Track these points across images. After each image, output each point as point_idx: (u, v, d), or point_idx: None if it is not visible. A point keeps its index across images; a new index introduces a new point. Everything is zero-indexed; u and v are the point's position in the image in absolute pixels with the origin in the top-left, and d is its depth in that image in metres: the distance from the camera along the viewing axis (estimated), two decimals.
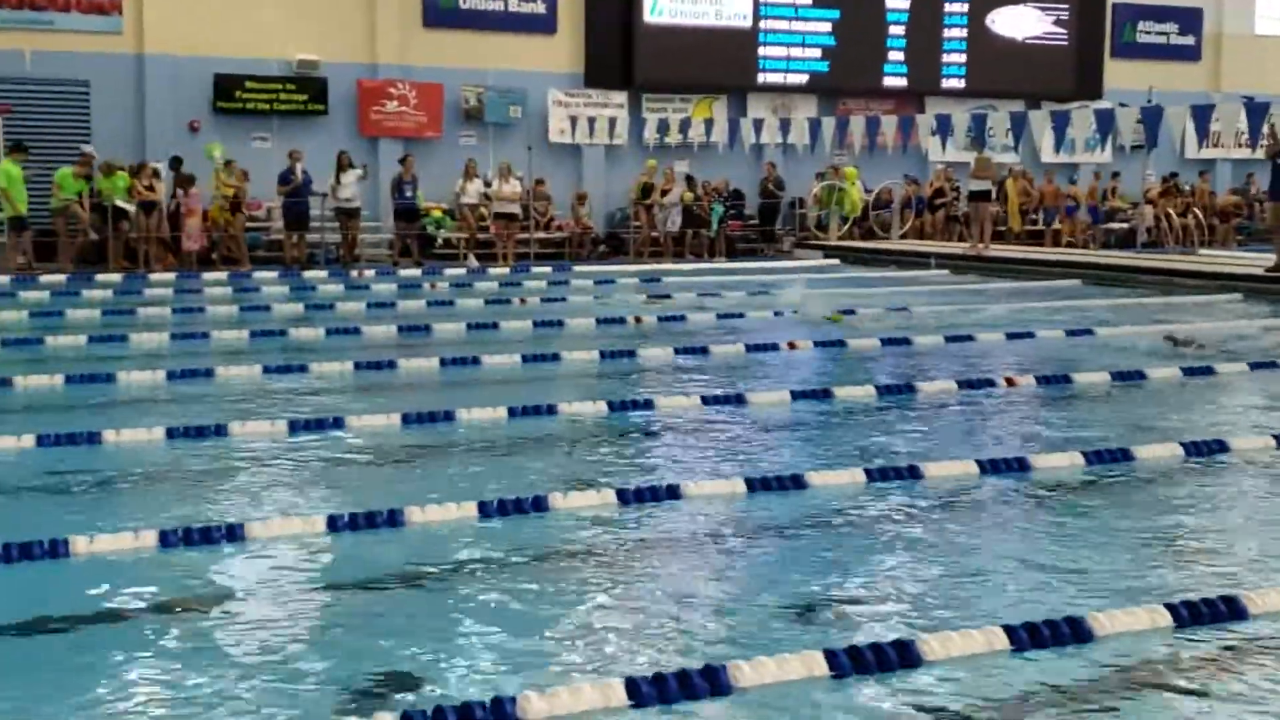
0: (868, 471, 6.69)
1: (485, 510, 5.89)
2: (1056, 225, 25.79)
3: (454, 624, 4.61)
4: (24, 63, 20.95)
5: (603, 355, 10.88)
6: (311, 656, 4.31)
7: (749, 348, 11.33)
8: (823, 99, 26.21)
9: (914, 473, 6.69)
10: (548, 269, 19.92)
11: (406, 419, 8.01)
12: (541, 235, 23.02)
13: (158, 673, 4.17)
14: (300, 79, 22.74)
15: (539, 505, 6.00)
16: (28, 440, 7.21)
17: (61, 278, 17.43)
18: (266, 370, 9.87)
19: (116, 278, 17.69)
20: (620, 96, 24.85)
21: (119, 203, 19.48)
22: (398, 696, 3.94)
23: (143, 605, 4.81)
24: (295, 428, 7.75)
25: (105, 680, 4.08)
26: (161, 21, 21.81)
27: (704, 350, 11.19)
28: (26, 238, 18.94)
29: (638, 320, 13.40)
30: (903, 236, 24.64)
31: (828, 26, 26.01)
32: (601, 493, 6.27)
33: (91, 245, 19.69)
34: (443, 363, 10.37)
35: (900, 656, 4.11)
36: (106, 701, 3.93)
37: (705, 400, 8.83)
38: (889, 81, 26.65)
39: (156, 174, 20.14)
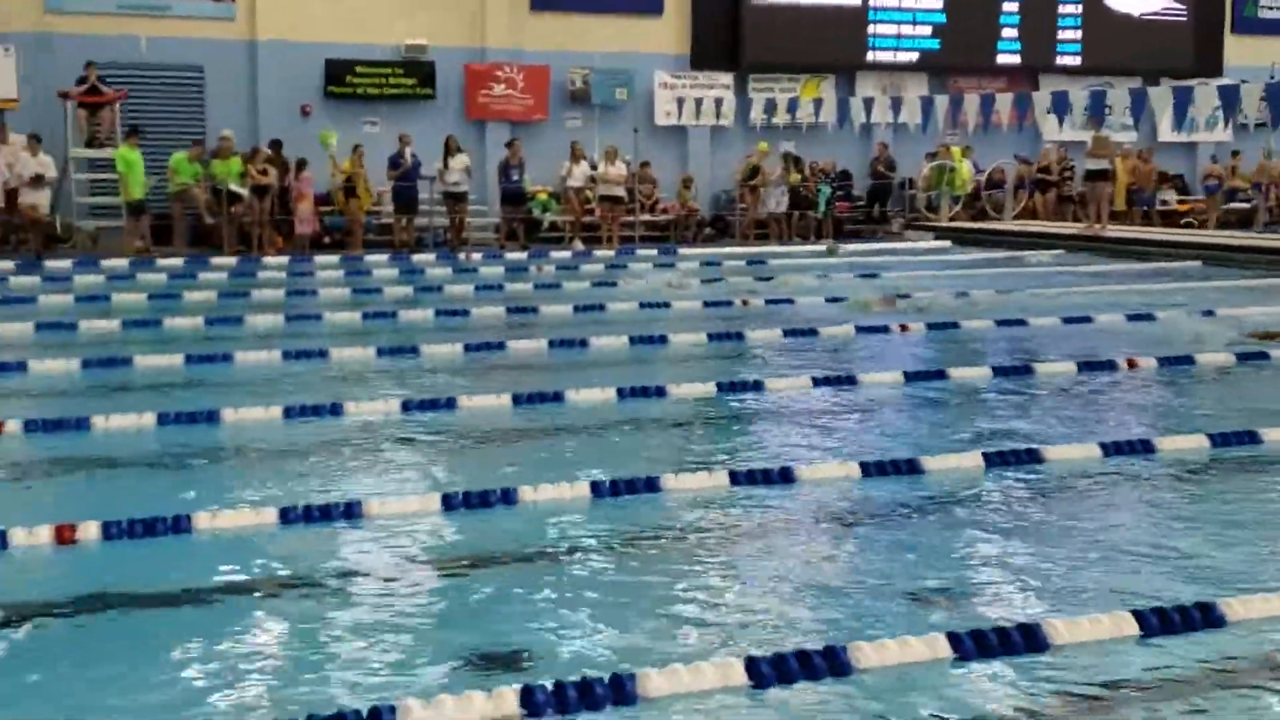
0: (986, 455, 6.54)
1: (598, 490, 5.88)
2: (1174, 205, 25.06)
3: (569, 602, 4.60)
4: (140, 49, 21.45)
5: (710, 337, 10.82)
6: (430, 632, 4.34)
7: (859, 329, 11.18)
8: (933, 77, 25.74)
9: (1034, 456, 6.54)
10: (653, 251, 19.89)
11: (517, 399, 8.04)
12: (647, 218, 22.99)
13: (279, 644, 4.24)
14: (409, 63, 22.96)
15: (651, 486, 5.98)
16: (149, 418, 7.38)
17: (178, 261, 17.81)
18: (380, 352, 9.99)
19: (231, 260, 18.03)
20: (726, 77, 24.67)
21: (232, 187, 19.84)
22: (515, 672, 3.94)
23: (264, 579, 4.89)
24: (408, 407, 7.82)
25: (228, 650, 4.15)
26: (273, 8, 22.16)
27: (813, 332, 11.07)
28: (144, 221, 19.42)
29: (745, 303, 13.31)
30: (1015, 218, 24.15)
31: (939, 3, 25.52)
32: (714, 474, 6.22)
33: (206, 229, 20.11)
34: (551, 344, 10.40)
35: (1026, 640, 4.01)
36: (230, 670, 3.99)
37: (816, 381, 8.73)
38: (1002, 59, 26.10)
39: (269, 159, 20.47)
